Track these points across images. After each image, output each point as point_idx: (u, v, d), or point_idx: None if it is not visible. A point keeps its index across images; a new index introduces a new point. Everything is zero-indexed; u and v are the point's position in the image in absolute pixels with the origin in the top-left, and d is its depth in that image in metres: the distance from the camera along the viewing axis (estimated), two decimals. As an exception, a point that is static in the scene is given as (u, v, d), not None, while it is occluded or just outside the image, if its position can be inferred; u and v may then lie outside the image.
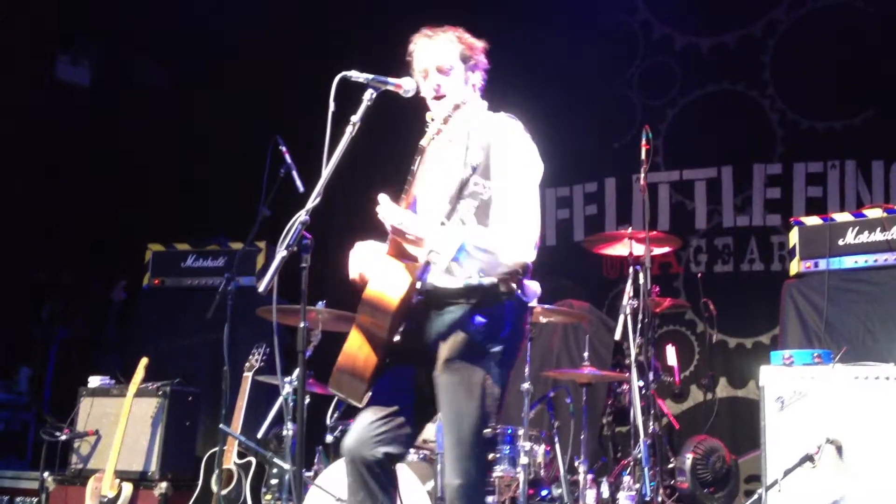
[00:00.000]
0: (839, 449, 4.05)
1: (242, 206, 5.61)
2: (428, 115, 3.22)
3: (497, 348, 3.00)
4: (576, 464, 4.93)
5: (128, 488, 5.32)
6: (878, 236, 4.99)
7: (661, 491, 4.77)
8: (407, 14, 6.83)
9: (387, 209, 2.99)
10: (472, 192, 2.96)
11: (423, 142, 3.13)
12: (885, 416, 4.03)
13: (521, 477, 4.51)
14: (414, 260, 3.02)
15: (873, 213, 5.08)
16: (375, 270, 3.03)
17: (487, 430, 2.98)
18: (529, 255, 3.04)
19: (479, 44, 3.30)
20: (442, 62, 3.19)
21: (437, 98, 3.19)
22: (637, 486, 4.73)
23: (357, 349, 3.00)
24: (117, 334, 6.72)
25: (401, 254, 3.05)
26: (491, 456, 4.55)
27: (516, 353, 3.11)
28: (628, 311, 4.83)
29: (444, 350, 3.00)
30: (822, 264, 5.12)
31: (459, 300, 3.01)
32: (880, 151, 6.47)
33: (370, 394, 3.01)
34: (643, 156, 5.08)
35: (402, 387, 3.07)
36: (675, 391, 5.82)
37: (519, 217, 3.03)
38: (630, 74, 7.16)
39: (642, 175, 5.05)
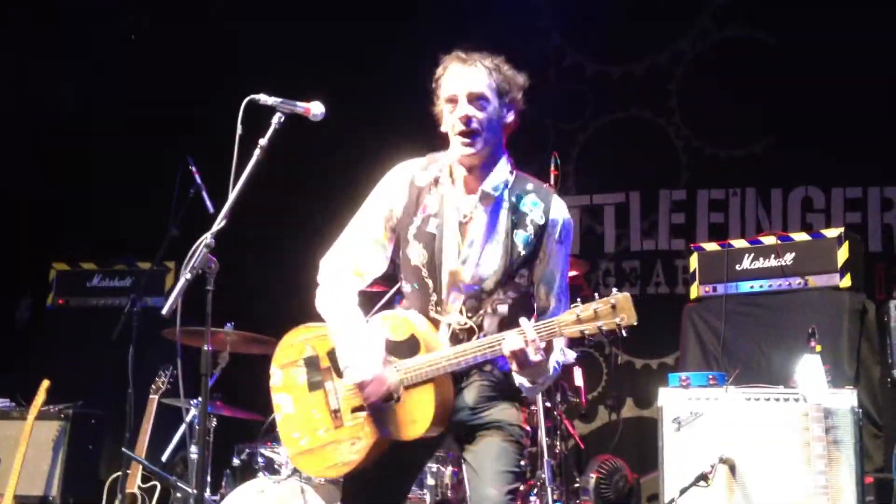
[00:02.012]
0: (732, 468, 4.20)
1: (151, 226, 5.53)
2: (444, 162, 2.92)
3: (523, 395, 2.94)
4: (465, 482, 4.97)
5: (27, 514, 5.18)
6: (772, 262, 5.19)
7: (566, 510, 4.87)
8: (319, 36, 6.97)
9: (533, 343, 2.65)
10: (515, 283, 2.81)
11: (435, 188, 2.89)
12: (774, 435, 4.20)
13: (427, 498, 4.54)
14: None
15: (768, 239, 5.28)
16: (411, 387, 2.79)
17: (524, 461, 2.95)
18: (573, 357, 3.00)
19: (521, 79, 2.92)
20: (476, 89, 2.82)
21: (467, 134, 2.81)
22: (543, 506, 4.81)
23: (373, 455, 2.88)
24: (19, 355, 6.53)
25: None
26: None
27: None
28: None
29: (476, 398, 2.87)
30: (721, 289, 5.30)
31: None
32: (779, 179, 6.73)
33: None
34: (552, 181, 5.19)
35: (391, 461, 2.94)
36: (581, 412, 5.94)
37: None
38: (542, 100, 7.31)
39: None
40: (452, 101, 2.86)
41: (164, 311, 2.89)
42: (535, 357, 2.64)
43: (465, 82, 2.83)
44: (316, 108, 3.14)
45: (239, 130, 3.03)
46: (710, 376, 4.48)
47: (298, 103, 3.15)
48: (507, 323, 2.83)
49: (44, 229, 6.97)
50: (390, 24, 6.95)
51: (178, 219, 4.97)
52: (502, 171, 2.90)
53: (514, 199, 2.87)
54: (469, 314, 2.86)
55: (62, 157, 7.07)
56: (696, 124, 7.00)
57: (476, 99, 2.83)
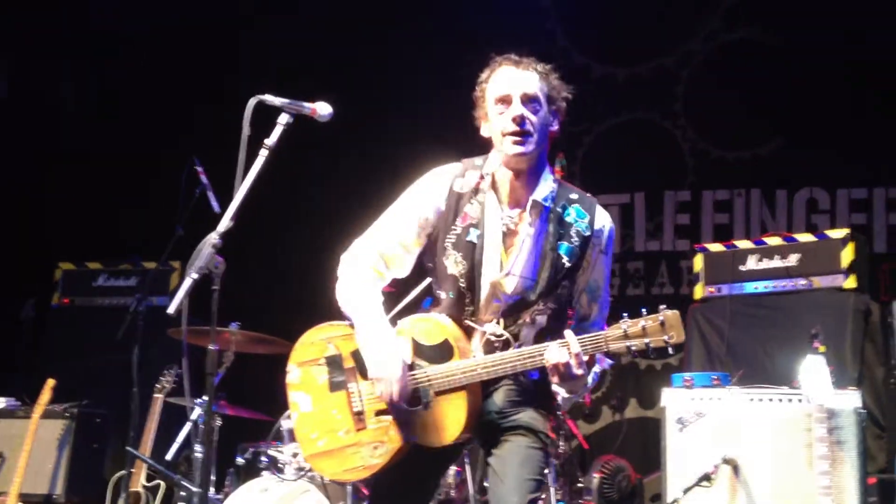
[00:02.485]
0: (735, 468, 4.21)
1: (157, 226, 5.55)
2: (488, 167, 2.87)
3: (554, 404, 2.90)
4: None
5: (32, 512, 5.20)
6: (777, 263, 5.20)
7: (569, 510, 4.88)
8: (320, 36, 6.99)
9: (577, 356, 2.59)
10: (557, 295, 2.76)
11: (475, 196, 2.85)
12: (777, 436, 4.20)
13: (431, 498, 4.55)
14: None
15: (773, 240, 5.29)
16: (442, 393, 2.74)
17: (546, 469, 2.95)
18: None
19: (566, 90, 2.89)
20: (530, 91, 2.77)
21: (520, 134, 2.75)
22: (546, 506, 4.81)
23: (396, 461, 2.83)
24: (24, 354, 6.55)
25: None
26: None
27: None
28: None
29: (504, 402, 2.83)
30: (725, 289, 5.31)
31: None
32: (784, 181, 6.74)
33: None
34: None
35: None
36: (585, 412, 5.95)
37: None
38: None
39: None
40: (505, 101, 2.81)
41: (170, 311, 2.89)
42: (577, 371, 2.60)
43: (519, 84, 2.79)
44: (322, 109, 3.12)
45: (246, 131, 3.02)
46: (714, 377, 4.48)
47: (305, 104, 3.13)
48: (544, 334, 2.79)
49: (50, 229, 7.00)
50: (393, 25, 6.97)
51: (184, 219, 4.98)
52: (549, 180, 2.85)
53: (559, 209, 2.82)
54: (506, 324, 2.81)
55: (68, 156, 7.10)
56: (702, 126, 7.02)
57: (530, 101, 2.79)
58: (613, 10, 7.04)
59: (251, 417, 5.20)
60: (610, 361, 2.89)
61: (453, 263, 2.83)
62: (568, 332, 2.64)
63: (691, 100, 7.07)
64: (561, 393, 2.78)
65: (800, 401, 4.18)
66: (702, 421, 4.34)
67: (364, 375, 2.86)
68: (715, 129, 6.94)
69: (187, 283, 2.86)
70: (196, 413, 4.60)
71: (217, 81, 6.71)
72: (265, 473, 4.75)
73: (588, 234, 2.82)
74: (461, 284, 2.81)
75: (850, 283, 4.97)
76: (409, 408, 2.77)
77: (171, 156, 5.36)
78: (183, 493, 4.72)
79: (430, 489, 3.10)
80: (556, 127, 2.86)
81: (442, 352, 2.77)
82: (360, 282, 2.90)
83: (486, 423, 2.82)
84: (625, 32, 7.13)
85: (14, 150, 6.93)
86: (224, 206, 3.02)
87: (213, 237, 2.89)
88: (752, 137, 6.79)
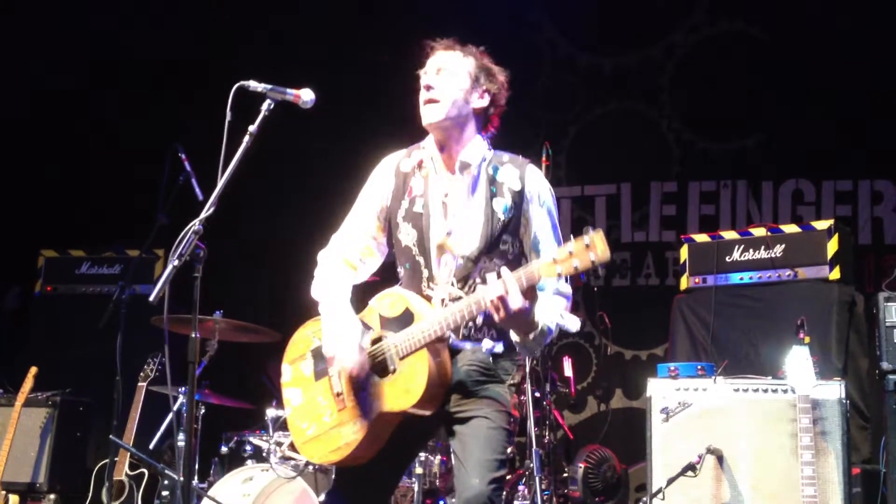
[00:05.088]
0: (720, 458, 4.22)
1: (140, 213, 5.52)
2: (427, 150, 3.03)
3: (511, 374, 2.96)
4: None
5: (14, 500, 5.18)
6: (762, 254, 5.20)
7: (554, 500, 4.88)
8: (306, 27, 6.95)
9: (513, 287, 2.63)
10: (501, 251, 2.85)
11: (419, 171, 3.01)
12: (762, 426, 4.22)
13: (416, 487, 4.55)
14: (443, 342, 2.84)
15: (758, 231, 5.29)
16: (405, 358, 2.81)
17: (510, 449, 2.96)
18: (578, 324, 2.96)
19: (503, 76, 3.02)
20: (446, 65, 2.95)
21: (427, 101, 2.94)
22: (531, 495, 4.82)
23: (373, 437, 2.88)
24: (7, 342, 6.51)
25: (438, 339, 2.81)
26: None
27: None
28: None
29: (466, 381, 2.89)
30: (710, 280, 5.31)
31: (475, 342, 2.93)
32: (770, 172, 6.75)
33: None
34: (543, 171, 5.18)
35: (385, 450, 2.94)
36: (570, 402, 5.95)
37: (567, 285, 2.93)
38: (534, 92, 7.31)
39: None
40: (425, 76, 2.99)
41: (151, 299, 2.89)
42: (516, 304, 2.62)
43: (436, 61, 2.99)
44: (306, 95, 3.14)
45: (228, 117, 3.02)
46: (699, 367, 4.49)
47: (288, 90, 3.13)
48: None
49: (32, 216, 6.94)
50: (376, 15, 6.93)
51: (168, 206, 4.94)
52: (479, 146, 3.00)
53: (490, 170, 2.97)
54: (459, 285, 2.90)
55: (51, 143, 7.04)
56: (688, 117, 7.02)
57: (440, 72, 2.96)
58: (600, 1, 7.04)
59: (234, 406, 5.19)
60: (577, 321, 2.92)
61: (405, 235, 3.00)
62: (503, 268, 2.70)
63: (677, 91, 7.07)
64: (515, 339, 2.83)
65: (784, 391, 4.20)
66: (686, 411, 4.35)
67: None
68: (701, 120, 6.95)
69: (168, 270, 2.85)
70: (179, 401, 4.57)
71: (209, 68, 6.65)
72: (249, 462, 4.74)
73: (519, 188, 2.93)
74: (414, 253, 2.97)
75: (835, 274, 4.98)
76: (380, 378, 2.85)
77: (156, 142, 5.31)
78: (167, 482, 4.72)
79: (393, 478, 3.13)
80: (480, 104, 2.98)
81: (405, 320, 2.86)
82: (327, 273, 3.06)
83: (450, 402, 2.87)
84: (611, 23, 7.12)
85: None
86: (207, 193, 3.00)
87: (195, 224, 2.88)
88: (738, 129, 6.80)
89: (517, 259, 2.94)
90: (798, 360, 3.95)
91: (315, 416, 2.98)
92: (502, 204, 2.92)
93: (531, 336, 2.78)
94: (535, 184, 2.97)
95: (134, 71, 7.04)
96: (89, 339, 5.79)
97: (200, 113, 4.40)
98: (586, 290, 7.03)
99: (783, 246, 5.16)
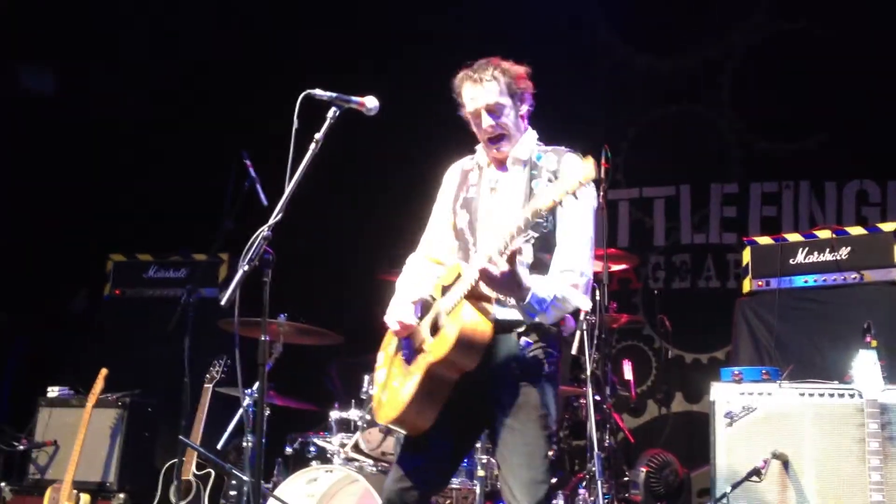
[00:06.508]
0: (785, 463, 4.16)
1: (206, 219, 5.63)
2: (480, 154, 3.32)
3: (551, 370, 3.14)
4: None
5: (85, 499, 5.31)
6: (826, 257, 5.13)
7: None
8: (375, 32, 7.02)
9: (498, 258, 2.89)
10: (536, 223, 2.91)
11: (474, 178, 3.30)
12: (828, 431, 4.15)
13: (477, 489, 4.57)
14: (487, 300, 3.06)
15: (823, 234, 5.22)
16: (450, 313, 3.04)
17: (552, 452, 3.08)
18: (589, 304, 3.19)
19: (522, 70, 3.26)
20: (491, 100, 3.17)
21: (494, 139, 3.21)
22: (592, 499, 4.81)
23: (425, 393, 3.07)
24: (77, 344, 6.69)
25: (477, 297, 3.04)
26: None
27: (560, 376, 3.26)
28: (585, 326, 4.92)
29: (504, 376, 3.08)
30: (774, 283, 5.25)
31: (516, 330, 3.10)
32: (833, 173, 6.66)
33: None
34: (602, 174, 5.18)
35: (441, 424, 3.11)
36: (631, 405, 5.92)
37: (585, 266, 3.12)
38: (593, 94, 7.30)
39: (601, 192, 5.15)
40: (475, 115, 3.22)
41: (222, 302, 2.97)
42: (497, 268, 2.86)
43: (480, 98, 3.18)
44: (370, 102, 3.22)
45: (295, 124, 3.09)
46: (764, 371, 4.43)
47: (353, 98, 3.20)
48: (531, 269, 3.06)
49: (102, 221, 7.11)
50: (431, 17, 6.97)
51: (233, 212, 5.04)
52: (529, 142, 3.27)
53: (535, 158, 3.22)
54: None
55: (120, 150, 7.21)
56: (749, 118, 6.94)
57: (494, 109, 3.19)
58: (658, 1, 6.99)
59: (299, 407, 5.27)
60: (579, 299, 3.10)
61: (461, 219, 3.29)
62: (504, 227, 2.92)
63: (737, 92, 7.01)
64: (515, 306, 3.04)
65: (851, 396, 4.13)
66: (751, 415, 4.30)
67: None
68: (761, 121, 6.86)
69: (239, 274, 2.93)
70: (246, 402, 4.66)
71: (272, 78, 6.76)
72: (314, 463, 4.81)
73: (555, 167, 3.10)
74: (465, 234, 3.26)
75: (903, 277, 4.89)
76: (432, 336, 3.07)
77: (222, 149, 5.42)
78: (233, 482, 4.81)
79: (449, 456, 3.25)
80: (525, 108, 3.27)
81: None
82: (405, 269, 3.43)
83: (492, 384, 3.05)
84: (669, 24, 7.08)
85: (69, 143, 7.04)
86: (273, 200, 3.07)
87: (264, 230, 2.97)
88: (800, 129, 6.71)
89: (552, 234, 3.08)
90: (865, 363, 3.89)
91: (388, 383, 3.26)
92: (539, 182, 3.08)
93: (521, 297, 2.95)
94: (574, 168, 2.94)
95: (200, 77, 7.18)
96: (157, 341, 5.94)
97: (261, 120, 4.46)
98: (645, 292, 7.00)
99: (849, 248, 5.08)
